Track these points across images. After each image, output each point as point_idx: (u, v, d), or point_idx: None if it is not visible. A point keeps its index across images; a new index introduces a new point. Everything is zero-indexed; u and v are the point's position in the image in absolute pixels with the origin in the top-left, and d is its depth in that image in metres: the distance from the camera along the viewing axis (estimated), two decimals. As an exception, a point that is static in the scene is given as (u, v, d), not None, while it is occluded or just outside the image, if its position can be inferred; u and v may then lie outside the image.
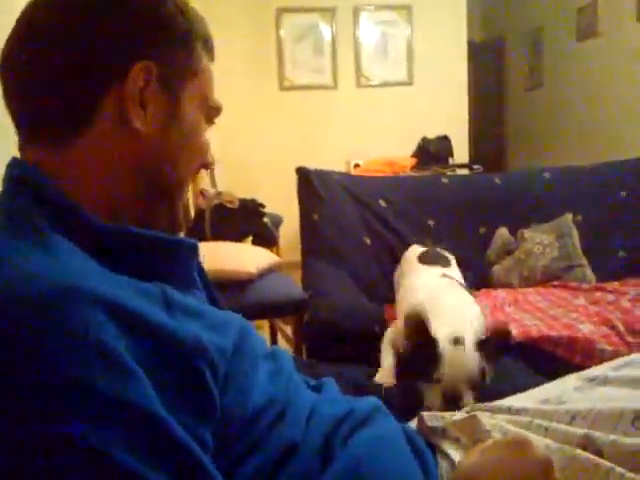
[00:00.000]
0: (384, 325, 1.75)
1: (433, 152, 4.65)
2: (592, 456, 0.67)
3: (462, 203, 2.48)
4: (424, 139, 4.75)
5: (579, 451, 0.68)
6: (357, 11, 5.18)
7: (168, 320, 0.55)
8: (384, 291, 2.23)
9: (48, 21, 0.60)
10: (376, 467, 0.68)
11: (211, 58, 0.71)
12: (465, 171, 4.58)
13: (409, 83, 5.26)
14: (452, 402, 1.21)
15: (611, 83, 4.95)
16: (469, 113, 5.41)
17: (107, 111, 0.61)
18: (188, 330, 0.56)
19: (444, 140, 4.77)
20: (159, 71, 0.62)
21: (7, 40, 0.62)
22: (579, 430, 0.71)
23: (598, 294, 2.09)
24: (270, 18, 5.08)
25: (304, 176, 2.42)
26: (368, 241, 2.36)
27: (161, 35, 0.63)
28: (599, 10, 5.05)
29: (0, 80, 0.63)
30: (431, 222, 2.46)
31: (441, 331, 1.29)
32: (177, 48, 0.65)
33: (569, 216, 2.40)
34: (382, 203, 2.46)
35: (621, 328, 1.67)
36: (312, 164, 2.50)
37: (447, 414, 0.86)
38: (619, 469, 0.63)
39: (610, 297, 2.03)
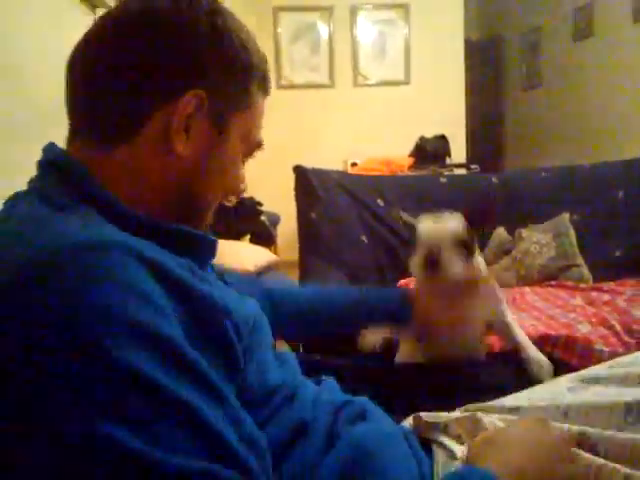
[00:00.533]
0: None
1: (430, 151, 4.65)
2: (588, 454, 0.67)
3: (459, 202, 2.48)
4: (422, 138, 4.75)
5: (576, 450, 0.68)
6: (354, 10, 5.18)
7: (198, 283, 0.58)
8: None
9: (121, 35, 0.64)
10: (376, 456, 0.69)
11: (266, 94, 0.74)
12: (463, 171, 4.59)
13: (406, 82, 5.26)
14: (433, 265, 1.22)
15: (608, 83, 4.96)
16: (466, 112, 5.41)
17: (153, 126, 0.64)
18: (216, 295, 0.59)
19: (441, 139, 4.76)
20: (210, 101, 0.65)
21: (82, 41, 0.66)
22: (574, 427, 0.71)
23: (594, 294, 2.09)
24: (267, 17, 5.07)
25: (302, 175, 2.42)
26: (365, 240, 2.36)
27: (219, 67, 0.66)
28: (596, 11, 5.06)
29: (66, 74, 0.67)
30: (429, 221, 2.46)
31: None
32: (233, 82, 0.67)
33: (566, 216, 2.40)
34: (380, 202, 2.46)
35: (618, 328, 1.67)
36: (309, 163, 2.50)
37: (444, 414, 0.86)
38: (612, 464, 0.63)
39: (606, 297, 2.04)
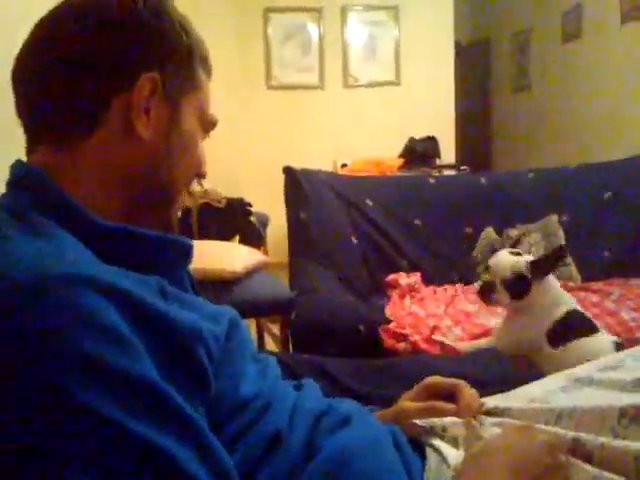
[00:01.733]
0: (370, 324, 1.76)
1: (420, 152, 4.66)
2: (581, 463, 0.67)
3: (448, 203, 2.49)
4: (411, 139, 4.76)
5: (571, 459, 0.68)
6: (345, 11, 5.18)
7: (165, 307, 0.58)
8: (370, 289, 2.23)
9: (63, 32, 0.65)
10: (359, 463, 0.68)
11: (208, 76, 0.75)
12: (452, 172, 4.60)
13: (396, 83, 5.27)
14: (487, 291, 1.63)
15: (596, 85, 4.99)
16: (456, 114, 5.43)
17: (112, 117, 0.65)
18: (185, 317, 0.59)
19: (431, 141, 4.77)
20: (163, 82, 0.67)
21: (23, 45, 0.66)
22: (568, 433, 0.71)
23: (583, 294, 2.11)
24: (257, 17, 5.06)
25: (291, 175, 2.42)
26: (355, 240, 2.36)
27: (166, 51, 0.68)
28: (584, 13, 5.09)
29: (12, 84, 0.67)
30: (418, 222, 2.47)
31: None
32: (180, 63, 0.70)
33: (555, 217, 2.42)
34: (369, 202, 2.46)
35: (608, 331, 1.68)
36: (299, 164, 2.50)
37: (437, 419, 0.85)
38: (607, 474, 0.63)
39: (595, 298, 2.05)
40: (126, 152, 0.66)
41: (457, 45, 5.59)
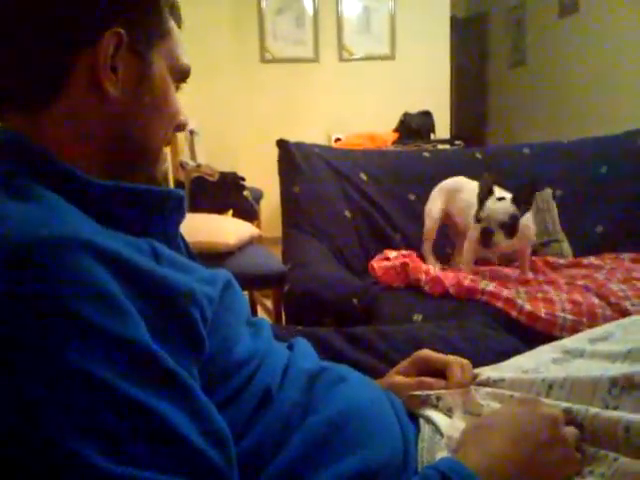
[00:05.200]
0: (363, 297, 1.76)
1: (415, 127, 4.63)
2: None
3: (443, 177, 2.48)
4: (406, 114, 4.73)
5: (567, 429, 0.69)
6: (340, -17, 5.11)
7: (158, 269, 0.58)
8: (363, 264, 2.23)
9: None
10: (358, 422, 0.69)
11: (177, 23, 0.72)
12: (447, 146, 4.58)
13: (391, 57, 5.22)
14: (486, 238, 1.85)
15: (593, 59, 4.96)
16: (451, 89, 5.40)
17: (79, 78, 0.62)
18: (178, 278, 0.59)
19: (426, 115, 4.75)
20: (129, 36, 0.64)
21: None
22: (561, 404, 0.71)
23: (574, 270, 2.12)
24: (251, -11, 4.99)
25: (285, 149, 2.41)
26: (348, 214, 2.36)
27: (129, 2, 0.65)
28: (582, -14, 5.04)
29: None
30: (412, 196, 2.46)
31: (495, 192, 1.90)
32: (145, 13, 0.66)
33: (549, 191, 2.41)
34: (363, 176, 2.45)
35: (595, 300, 1.69)
36: (293, 138, 2.48)
37: (433, 391, 0.86)
38: (602, 451, 0.64)
39: (584, 271, 2.06)
40: (97, 112, 0.64)
41: (453, 19, 5.53)
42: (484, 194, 1.91)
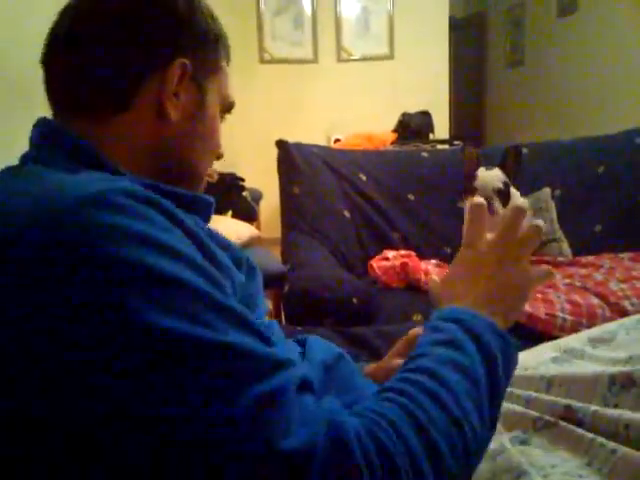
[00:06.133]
0: (362, 297, 1.76)
1: (414, 127, 4.63)
2: (574, 427, 0.68)
3: (442, 177, 2.49)
4: (405, 114, 4.73)
5: (562, 422, 0.69)
6: (338, -16, 5.11)
7: (209, 240, 0.62)
8: (363, 264, 2.23)
9: (109, 13, 0.69)
10: None
11: (228, 62, 0.81)
12: (445, 147, 4.58)
13: (390, 57, 5.22)
14: (487, 206, 1.73)
15: (591, 59, 4.97)
16: (450, 89, 5.40)
17: (145, 98, 0.69)
18: (218, 253, 0.63)
19: (425, 115, 4.75)
20: (192, 67, 0.71)
21: (57, 22, 0.70)
22: (561, 400, 0.71)
23: (573, 269, 2.12)
24: (250, -10, 4.99)
25: (284, 149, 2.41)
26: (348, 215, 2.36)
27: (197, 37, 0.73)
28: (580, -14, 5.05)
29: (46, 59, 0.70)
30: (411, 196, 2.46)
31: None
32: (207, 48, 0.75)
33: (547, 190, 2.42)
34: (362, 177, 2.46)
35: (595, 301, 1.69)
36: (292, 138, 2.48)
37: None
38: (600, 439, 0.64)
39: (584, 271, 2.06)
40: (155, 131, 0.70)
41: (452, 19, 5.53)
42: (473, 166, 2.00)
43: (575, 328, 1.55)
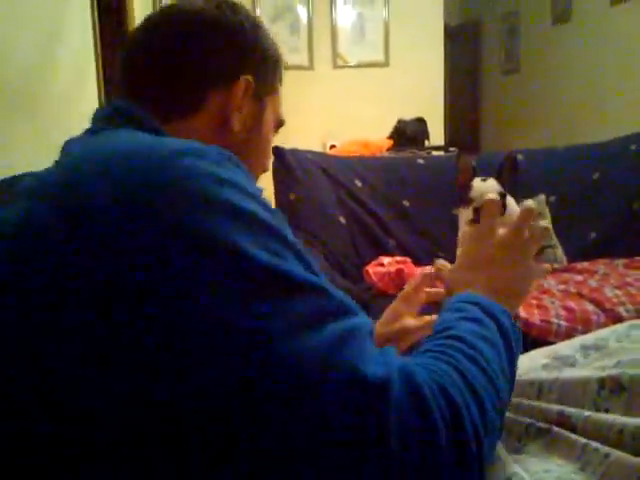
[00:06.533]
0: (357, 303, 1.76)
1: (409, 134, 4.64)
2: (568, 432, 0.68)
3: (437, 184, 2.49)
4: (400, 121, 4.74)
5: (555, 428, 0.69)
6: (334, -9, 5.13)
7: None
8: (358, 270, 2.23)
9: (186, 32, 0.78)
10: None
11: (281, 83, 0.89)
12: (441, 153, 4.60)
13: (386, 65, 5.24)
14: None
15: (585, 67, 4.99)
16: (445, 96, 5.42)
17: (212, 106, 0.77)
18: None
19: (420, 122, 4.76)
20: (255, 84, 0.79)
21: (145, 29, 0.79)
22: (553, 407, 0.71)
23: (567, 275, 2.13)
24: (246, -4, 5.01)
25: (280, 156, 2.41)
26: (343, 221, 2.37)
27: (260, 58, 0.82)
28: (574, -5, 5.08)
29: (126, 63, 0.79)
30: (406, 202, 2.47)
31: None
32: (268, 69, 0.83)
33: (543, 197, 2.43)
34: (358, 183, 2.46)
35: (589, 307, 1.70)
36: (288, 145, 2.49)
37: None
38: (594, 444, 0.64)
39: (579, 277, 2.07)
40: (216, 138, 0.75)
41: (447, 27, 5.56)
42: (468, 176, 2.01)
43: (570, 334, 1.55)
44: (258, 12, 5.02)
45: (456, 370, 0.55)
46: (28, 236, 0.50)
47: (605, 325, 1.54)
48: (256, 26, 0.82)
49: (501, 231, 0.76)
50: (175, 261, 0.48)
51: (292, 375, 0.48)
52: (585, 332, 1.46)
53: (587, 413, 0.67)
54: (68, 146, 0.67)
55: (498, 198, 0.75)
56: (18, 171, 0.98)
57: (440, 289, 0.98)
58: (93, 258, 0.48)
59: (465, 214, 2.01)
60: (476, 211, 1.93)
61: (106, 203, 0.50)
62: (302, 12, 5.12)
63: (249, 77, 0.78)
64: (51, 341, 0.48)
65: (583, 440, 0.65)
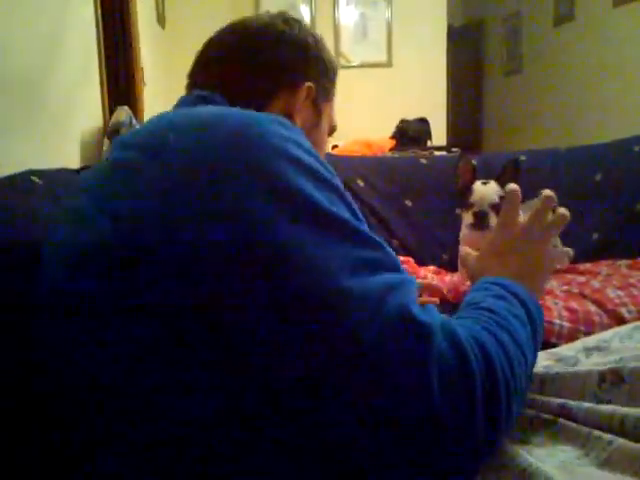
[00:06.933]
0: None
1: (412, 134, 4.64)
2: (570, 422, 0.68)
3: (440, 184, 2.49)
4: (403, 121, 4.74)
5: (560, 419, 0.69)
6: (337, -9, 5.13)
7: None
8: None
9: (263, 42, 0.90)
10: None
11: (335, 93, 1.02)
12: (443, 153, 4.60)
13: (388, 65, 5.25)
14: (482, 220, 1.91)
15: (587, 68, 4.99)
16: (448, 96, 5.42)
17: (277, 105, 0.88)
18: None
19: (423, 123, 4.76)
20: (315, 92, 0.91)
21: (222, 36, 0.93)
22: (555, 400, 0.72)
23: (570, 276, 2.12)
24: (249, -4, 5.01)
25: (282, 155, 2.41)
26: (346, 221, 2.36)
27: (321, 69, 0.95)
28: (577, -5, 5.08)
29: (203, 60, 0.92)
30: (409, 202, 2.47)
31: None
32: (326, 79, 0.96)
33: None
34: (360, 183, 2.46)
35: (592, 308, 1.69)
36: (290, 144, 2.49)
37: None
38: (597, 432, 0.64)
39: (581, 279, 2.07)
40: None
41: (450, 27, 5.56)
42: (468, 180, 2.00)
43: (573, 335, 1.55)
44: (262, 11, 5.02)
45: (491, 333, 0.60)
46: (173, 189, 0.58)
47: (608, 326, 1.53)
48: (319, 41, 0.96)
49: (522, 218, 0.81)
50: (258, 195, 0.57)
51: (353, 305, 0.54)
52: (588, 333, 1.46)
53: (587, 404, 0.67)
54: (153, 118, 0.72)
55: (518, 188, 0.82)
56: (23, 168, 0.98)
57: (435, 299, 1.09)
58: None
59: (466, 218, 2.01)
60: (476, 215, 1.94)
61: (222, 153, 0.59)
62: (305, 12, 5.12)
63: (311, 84, 0.90)
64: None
65: (587, 429, 0.66)
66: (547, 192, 0.81)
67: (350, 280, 0.55)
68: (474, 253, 0.88)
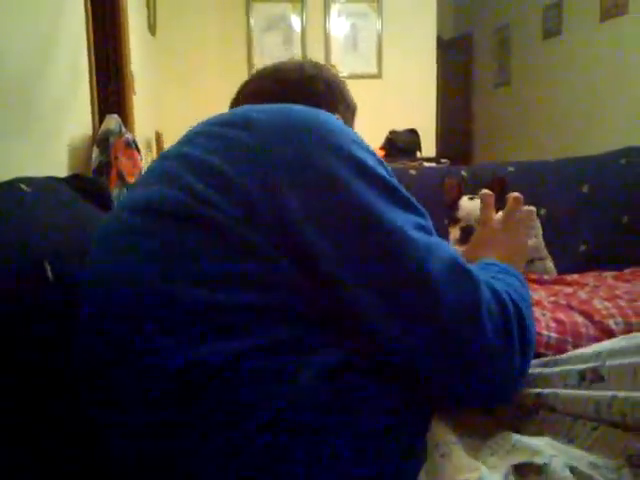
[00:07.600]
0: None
1: (401, 145, 4.66)
2: (552, 413, 0.70)
3: (429, 194, 2.50)
4: (392, 132, 4.76)
5: (541, 410, 0.72)
6: (327, 2, 5.16)
7: None
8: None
9: (303, 83, 1.09)
10: None
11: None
12: (432, 165, 4.61)
13: (378, 76, 5.27)
14: (468, 235, 1.85)
15: (575, 81, 5.04)
16: (437, 108, 5.45)
17: None
18: None
19: (412, 134, 4.78)
20: (342, 119, 0.98)
21: (262, 74, 1.18)
22: (531, 390, 0.74)
23: (557, 287, 2.13)
24: (240, 7, 5.02)
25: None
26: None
27: (345, 104, 1.13)
28: (564, 9, 5.14)
29: (243, 96, 1.17)
30: (398, 213, 2.47)
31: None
32: (348, 114, 1.14)
33: (533, 209, 2.43)
34: (350, 193, 2.46)
35: (579, 319, 1.70)
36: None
37: None
38: (581, 420, 0.66)
39: (568, 290, 2.08)
40: None
41: (439, 39, 5.60)
42: (455, 195, 2.04)
43: (560, 346, 1.55)
44: (252, 22, 5.05)
45: (505, 283, 0.75)
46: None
47: (595, 337, 1.54)
48: (342, 83, 1.14)
49: (497, 216, 0.98)
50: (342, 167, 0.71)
51: (415, 249, 0.67)
52: (575, 344, 1.47)
53: (562, 391, 0.69)
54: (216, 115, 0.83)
55: (491, 193, 1.01)
56: (11, 175, 0.97)
57: None
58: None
59: (453, 233, 2.02)
60: (463, 230, 1.96)
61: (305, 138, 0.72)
62: (296, 22, 5.14)
63: (338, 115, 1.04)
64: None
65: (570, 418, 0.68)
66: (514, 194, 0.98)
67: (416, 234, 0.68)
68: (463, 248, 1.03)
